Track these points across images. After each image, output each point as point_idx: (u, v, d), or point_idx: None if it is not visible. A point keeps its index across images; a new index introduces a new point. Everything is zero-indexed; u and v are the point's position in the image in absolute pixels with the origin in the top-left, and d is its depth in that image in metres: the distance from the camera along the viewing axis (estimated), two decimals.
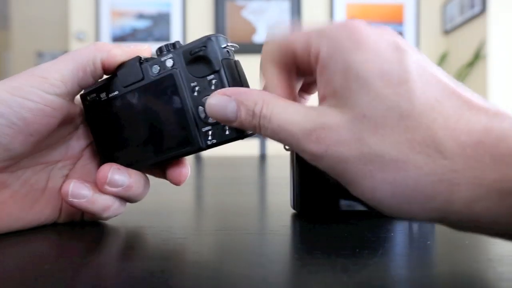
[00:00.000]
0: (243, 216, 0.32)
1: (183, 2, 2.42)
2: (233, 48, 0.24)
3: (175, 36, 2.42)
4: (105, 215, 0.26)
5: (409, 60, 0.18)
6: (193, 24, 2.44)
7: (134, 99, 0.26)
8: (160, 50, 0.25)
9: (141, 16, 2.43)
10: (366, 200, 0.19)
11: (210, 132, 0.24)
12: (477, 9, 2.13)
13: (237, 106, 0.21)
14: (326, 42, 0.19)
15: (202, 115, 0.24)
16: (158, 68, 0.25)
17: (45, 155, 0.27)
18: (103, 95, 0.27)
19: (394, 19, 2.47)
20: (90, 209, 0.25)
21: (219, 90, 0.22)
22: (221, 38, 0.23)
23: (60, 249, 0.23)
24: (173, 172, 0.27)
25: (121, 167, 0.26)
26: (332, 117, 0.18)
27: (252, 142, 1.90)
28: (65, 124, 0.27)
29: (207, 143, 0.24)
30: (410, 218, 0.18)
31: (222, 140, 0.24)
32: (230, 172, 0.69)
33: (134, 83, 0.25)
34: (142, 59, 0.25)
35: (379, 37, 0.19)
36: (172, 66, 0.24)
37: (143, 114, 0.26)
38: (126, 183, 0.26)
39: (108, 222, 0.29)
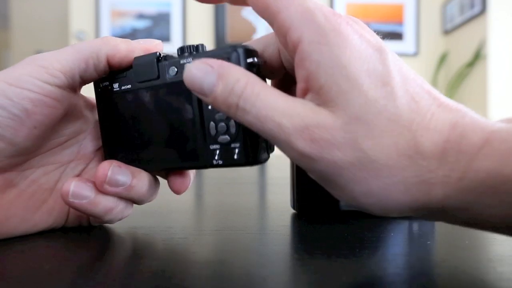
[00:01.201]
0: (243, 216, 0.32)
1: (183, 2, 2.42)
2: (259, 63, 0.21)
3: (175, 36, 2.41)
4: (107, 217, 0.25)
5: (389, 60, 0.18)
6: (193, 24, 2.44)
7: (145, 97, 0.24)
8: (181, 50, 0.23)
9: (141, 16, 2.43)
10: (358, 204, 0.18)
11: (217, 152, 0.22)
12: (477, 9, 2.13)
13: (217, 79, 0.19)
14: (309, 30, 0.18)
15: (213, 132, 0.22)
16: (176, 70, 0.23)
17: (56, 154, 0.26)
18: (115, 86, 0.26)
19: (394, 19, 2.47)
20: (91, 211, 0.24)
21: (203, 59, 0.20)
22: (247, 51, 0.21)
23: (59, 249, 0.23)
24: (174, 180, 0.26)
25: (122, 165, 0.24)
26: (325, 117, 0.17)
27: None
28: (73, 119, 0.26)
29: (212, 162, 0.22)
30: (397, 215, 0.19)
31: (229, 164, 0.22)
32: (230, 172, 0.69)
33: (148, 80, 0.24)
34: (161, 56, 0.24)
35: (359, 35, 0.18)
36: None
37: (152, 114, 0.24)
38: (128, 182, 0.24)
39: None
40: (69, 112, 0.25)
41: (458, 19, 2.32)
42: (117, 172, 0.24)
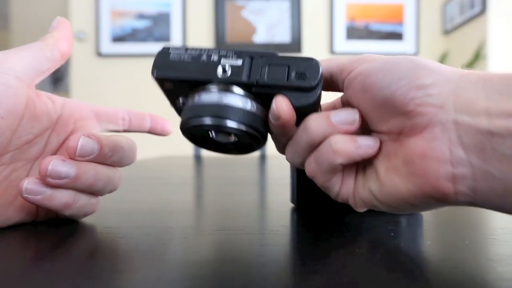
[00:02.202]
0: (243, 216, 0.32)
1: (183, 2, 2.42)
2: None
3: (175, 36, 2.41)
4: (67, 212, 0.26)
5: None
6: (193, 24, 2.44)
7: None
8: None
9: (141, 16, 2.43)
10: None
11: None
12: (477, 9, 2.13)
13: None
14: None
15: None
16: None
17: (24, 152, 0.27)
18: None
19: (394, 19, 2.47)
20: (48, 206, 0.25)
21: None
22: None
23: (55, 249, 0.23)
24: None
25: (65, 158, 0.25)
26: None
27: None
28: (39, 116, 0.27)
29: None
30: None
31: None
32: (230, 172, 0.69)
33: None
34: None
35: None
36: None
37: None
38: (71, 174, 0.25)
39: (107, 222, 0.29)
40: (32, 107, 0.26)
41: (458, 19, 2.32)
42: (59, 165, 0.25)
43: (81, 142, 0.25)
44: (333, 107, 0.28)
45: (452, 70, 0.21)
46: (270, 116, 0.24)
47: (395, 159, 0.22)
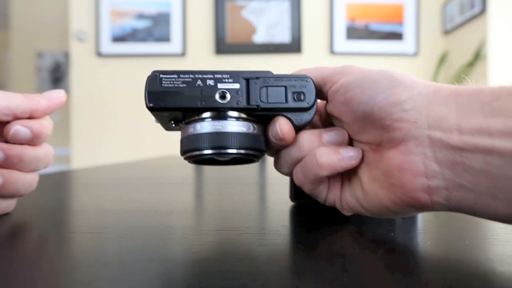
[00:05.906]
0: (243, 216, 0.32)
1: (183, 2, 2.42)
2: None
3: (175, 36, 2.41)
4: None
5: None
6: (193, 24, 2.44)
7: None
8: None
9: (141, 16, 2.43)
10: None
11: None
12: (477, 9, 2.13)
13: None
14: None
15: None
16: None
17: None
18: None
19: (394, 19, 2.47)
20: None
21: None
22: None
23: (53, 249, 0.23)
24: None
25: None
26: None
27: None
28: None
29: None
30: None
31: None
32: (230, 172, 0.69)
33: None
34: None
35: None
36: None
37: None
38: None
39: (107, 222, 0.29)
40: None
41: (458, 19, 2.32)
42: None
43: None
44: (318, 113, 0.29)
45: (426, 85, 0.22)
46: (272, 137, 0.25)
47: (376, 170, 0.23)
